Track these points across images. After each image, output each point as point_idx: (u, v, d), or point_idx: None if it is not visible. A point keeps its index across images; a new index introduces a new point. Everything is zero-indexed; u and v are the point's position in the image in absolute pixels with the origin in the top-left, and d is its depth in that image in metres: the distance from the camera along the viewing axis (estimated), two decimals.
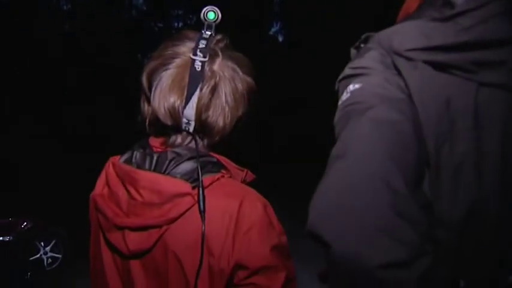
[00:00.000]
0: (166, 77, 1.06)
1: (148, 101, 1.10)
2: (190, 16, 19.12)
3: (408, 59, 0.85)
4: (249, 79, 1.13)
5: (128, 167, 1.08)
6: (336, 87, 0.93)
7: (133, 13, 19.01)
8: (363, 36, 0.99)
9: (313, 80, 15.09)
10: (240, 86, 1.11)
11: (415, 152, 0.78)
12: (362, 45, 0.98)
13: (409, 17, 0.97)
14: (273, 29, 19.11)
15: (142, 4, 19.10)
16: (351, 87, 0.87)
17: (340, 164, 0.78)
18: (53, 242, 7.15)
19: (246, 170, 1.14)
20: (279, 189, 10.03)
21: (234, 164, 1.13)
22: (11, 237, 6.58)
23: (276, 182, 10.53)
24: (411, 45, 0.86)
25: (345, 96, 0.87)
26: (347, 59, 0.98)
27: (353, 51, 1.01)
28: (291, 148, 15.76)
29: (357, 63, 0.91)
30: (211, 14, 1.14)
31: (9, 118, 12.83)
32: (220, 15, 1.13)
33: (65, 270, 6.97)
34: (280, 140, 16.54)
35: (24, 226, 6.90)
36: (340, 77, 0.93)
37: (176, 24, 19.36)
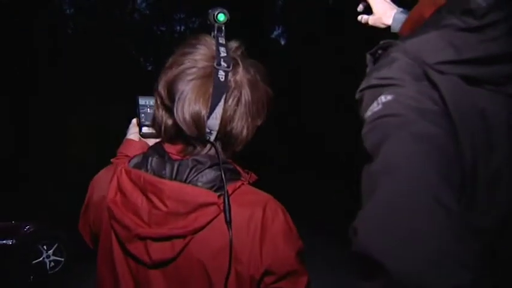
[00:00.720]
0: (190, 87, 1.05)
1: (166, 110, 1.09)
2: (193, 20, 19.16)
3: (439, 71, 0.85)
4: (268, 88, 1.13)
5: (148, 176, 1.06)
6: (358, 96, 0.92)
7: (136, 16, 19.05)
8: (382, 43, 0.98)
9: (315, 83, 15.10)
10: (261, 95, 1.10)
11: (457, 167, 0.78)
12: (379, 52, 0.97)
13: (427, 24, 0.95)
14: (275, 32, 19.13)
15: (145, 8, 19.14)
16: (383, 98, 0.86)
17: (387, 181, 0.76)
18: (55, 245, 7.16)
19: (250, 173, 1.14)
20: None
21: (240, 168, 1.13)
22: (14, 241, 6.59)
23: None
24: (442, 58, 0.85)
25: (376, 108, 0.86)
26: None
27: (369, 57, 1.00)
28: (291, 154, 15.72)
29: (383, 73, 0.89)
30: (221, 15, 1.13)
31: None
32: (229, 17, 1.12)
33: (67, 273, 6.98)
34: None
35: (27, 229, 6.90)
36: (364, 86, 0.91)
37: (178, 27, 19.39)
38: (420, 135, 0.79)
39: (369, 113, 0.86)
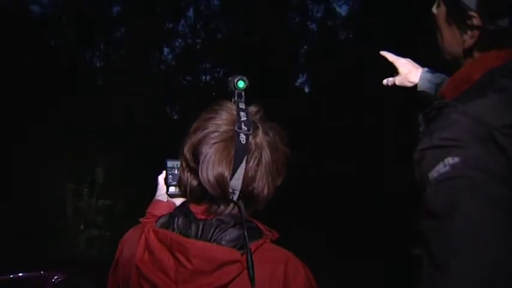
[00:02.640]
0: (213, 150, 1.12)
1: (191, 171, 1.16)
2: (218, 69, 19.56)
3: (506, 135, 0.87)
4: (286, 149, 1.20)
5: (175, 235, 1.12)
6: (418, 156, 0.94)
7: (163, 67, 19.54)
8: (436, 103, 1.02)
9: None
10: (280, 156, 1.17)
11: None
12: (434, 112, 1.00)
13: (480, 86, 0.99)
14: (299, 80, 19.34)
15: (172, 59, 19.64)
16: (450, 160, 0.88)
17: (469, 251, 0.78)
18: None
19: (272, 231, 1.19)
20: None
21: (264, 226, 1.18)
22: None
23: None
24: (507, 122, 0.88)
25: (443, 169, 0.88)
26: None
27: (422, 117, 1.04)
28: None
29: (447, 133, 0.92)
30: (241, 82, 1.22)
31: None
32: (248, 83, 1.20)
33: None
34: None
35: (56, 280, 6.94)
36: (425, 146, 0.94)
37: (204, 77, 19.81)
38: (496, 200, 0.81)
39: (434, 174, 0.88)
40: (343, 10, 17.94)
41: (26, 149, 12.29)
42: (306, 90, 19.40)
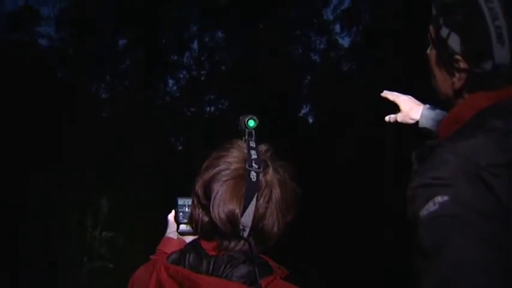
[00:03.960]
0: (224, 188, 1.15)
1: (203, 208, 1.18)
2: (222, 101, 19.71)
3: (493, 174, 0.91)
4: (296, 186, 1.22)
5: (186, 271, 1.14)
6: (410, 194, 0.97)
7: (167, 99, 19.71)
8: (429, 143, 1.05)
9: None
10: (290, 193, 1.19)
11: None
12: (427, 151, 1.04)
13: (471, 126, 1.03)
14: (303, 111, 19.45)
15: (176, 90, 19.84)
16: (439, 198, 0.91)
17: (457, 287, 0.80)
18: None
19: (282, 268, 1.20)
20: None
21: (274, 262, 1.19)
22: None
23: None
24: (494, 161, 0.92)
25: (432, 207, 0.91)
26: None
27: (415, 155, 1.07)
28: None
29: (437, 173, 0.95)
30: (251, 121, 1.25)
31: None
32: (258, 122, 1.23)
33: None
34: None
35: None
36: (416, 184, 0.97)
37: (208, 108, 19.95)
38: (484, 239, 0.84)
39: (424, 212, 0.92)
40: (345, 42, 18.17)
41: (28, 178, 12.31)
42: (310, 120, 19.51)
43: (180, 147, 20.11)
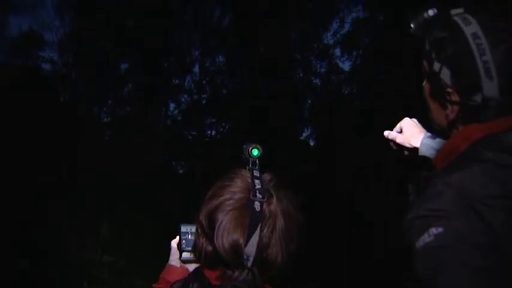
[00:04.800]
0: (228, 217, 1.15)
1: (207, 237, 1.18)
2: (223, 124, 19.78)
3: (487, 205, 0.94)
4: (299, 216, 1.22)
5: None
6: (406, 225, 1.00)
7: (168, 122, 19.78)
8: (424, 174, 1.08)
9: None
10: (293, 223, 1.20)
11: None
12: (422, 182, 1.07)
13: (465, 157, 1.07)
14: (304, 134, 19.50)
15: (177, 114, 19.92)
16: (434, 230, 0.94)
17: None
18: None
19: None
20: None
21: None
22: None
23: None
24: (487, 193, 0.95)
25: (427, 239, 0.94)
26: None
27: (411, 186, 1.10)
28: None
29: (432, 205, 0.98)
30: (255, 151, 1.26)
31: None
32: (262, 151, 1.24)
33: None
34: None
35: None
36: (413, 215, 1.00)
37: (209, 132, 20.01)
38: (476, 269, 0.86)
39: (420, 243, 0.94)
40: (346, 66, 18.32)
41: (28, 202, 12.30)
42: (311, 143, 19.55)
43: (181, 171, 20.11)
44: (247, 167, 1.24)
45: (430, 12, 1.23)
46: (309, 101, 19.72)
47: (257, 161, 1.24)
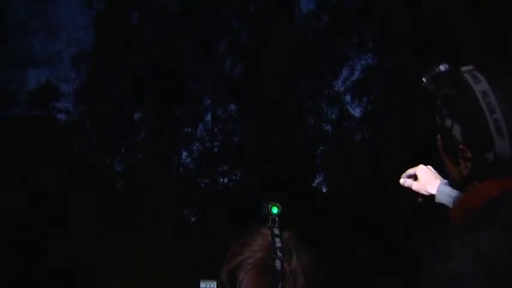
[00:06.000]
0: (249, 276, 1.17)
1: None
2: (235, 172, 19.79)
3: (506, 268, 0.94)
4: (320, 274, 1.23)
5: None
6: (422, 285, 1.00)
7: (181, 171, 19.84)
8: (442, 232, 1.09)
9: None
10: (314, 282, 1.20)
11: None
12: (440, 240, 1.07)
13: (483, 216, 1.07)
14: (316, 181, 19.43)
15: (190, 162, 20.00)
16: None
17: None
18: None
19: None
20: None
21: None
22: None
23: None
24: (508, 255, 0.95)
25: None
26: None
27: (430, 242, 1.10)
28: None
29: (450, 265, 0.98)
30: (274, 208, 1.27)
31: None
32: (281, 209, 1.26)
33: None
34: None
35: None
36: (428, 275, 1.01)
37: (222, 179, 20.01)
38: None
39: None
40: (356, 112, 18.46)
41: (43, 246, 12.31)
42: (324, 190, 19.45)
43: (193, 219, 20.03)
44: (267, 225, 1.26)
45: (442, 68, 1.26)
46: (321, 148, 19.75)
47: (276, 219, 1.25)
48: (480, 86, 1.13)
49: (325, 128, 19.73)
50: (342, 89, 19.10)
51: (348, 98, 18.97)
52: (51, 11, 17.34)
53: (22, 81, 17.52)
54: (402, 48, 14.81)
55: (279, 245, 1.18)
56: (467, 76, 1.17)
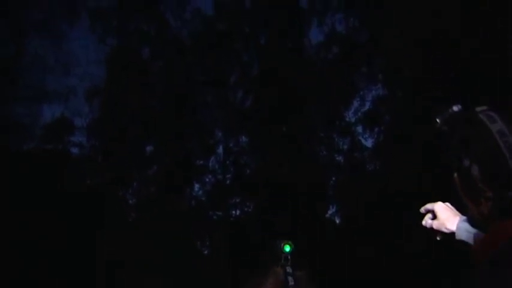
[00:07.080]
0: None
1: None
2: (247, 204, 19.71)
3: None
4: None
5: None
6: None
7: (193, 203, 19.82)
8: (466, 271, 1.10)
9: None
10: None
11: None
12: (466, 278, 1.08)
13: (504, 254, 1.09)
14: (330, 212, 19.27)
15: (202, 195, 19.99)
16: None
17: None
18: None
19: None
20: None
21: None
22: None
23: None
24: None
25: None
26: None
27: (461, 279, 1.10)
28: None
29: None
30: (287, 247, 1.28)
31: None
32: (294, 247, 1.26)
33: None
34: None
35: None
36: None
37: (234, 212, 19.93)
38: None
39: None
40: (368, 143, 18.43)
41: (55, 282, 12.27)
42: (337, 221, 19.26)
43: (205, 252, 19.89)
44: (280, 263, 1.26)
45: (455, 108, 1.27)
46: (333, 179, 19.65)
47: (289, 257, 1.25)
48: (496, 126, 1.14)
49: (337, 158, 19.67)
50: (353, 119, 19.16)
51: (359, 128, 19.01)
52: (65, 46, 17.63)
53: (37, 116, 17.76)
54: (411, 79, 14.84)
55: (291, 283, 1.18)
56: (482, 116, 1.18)
